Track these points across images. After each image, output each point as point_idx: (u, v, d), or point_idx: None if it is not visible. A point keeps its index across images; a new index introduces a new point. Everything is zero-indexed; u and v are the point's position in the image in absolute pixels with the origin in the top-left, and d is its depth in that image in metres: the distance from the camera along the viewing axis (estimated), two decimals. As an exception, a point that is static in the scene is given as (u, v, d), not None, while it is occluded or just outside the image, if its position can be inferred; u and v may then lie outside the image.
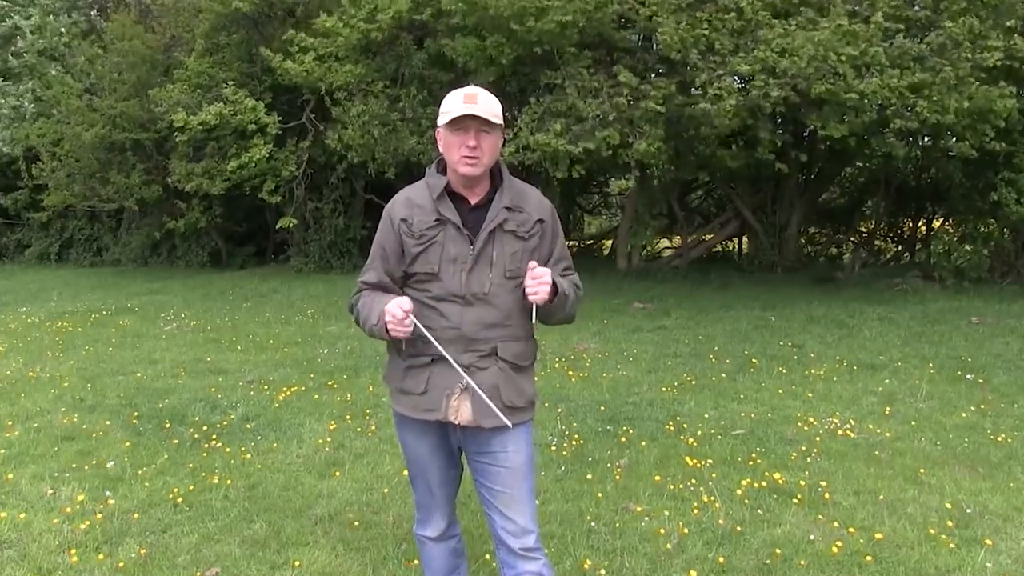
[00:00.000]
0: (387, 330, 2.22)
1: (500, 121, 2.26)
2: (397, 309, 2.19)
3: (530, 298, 2.22)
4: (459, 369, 2.24)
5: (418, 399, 2.33)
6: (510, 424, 2.26)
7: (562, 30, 8.95)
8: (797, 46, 8.21)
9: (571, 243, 17.12)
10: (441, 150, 2.30)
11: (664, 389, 5.95)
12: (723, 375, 6.40)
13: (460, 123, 2.22)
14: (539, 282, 2.20)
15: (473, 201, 2.32)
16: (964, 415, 5.22)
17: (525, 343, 2.37)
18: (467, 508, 3.48)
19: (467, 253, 2.27)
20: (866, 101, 8.34)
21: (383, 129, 11.15)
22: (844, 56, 8.20)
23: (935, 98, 8.40)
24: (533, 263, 2.23)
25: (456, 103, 2.23)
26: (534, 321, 2.31)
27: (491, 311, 2.29)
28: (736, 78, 8.87)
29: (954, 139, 9.59)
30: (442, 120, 2.25)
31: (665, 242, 16.74)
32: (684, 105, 9.10)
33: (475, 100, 2.23)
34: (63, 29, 15.54)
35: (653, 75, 10.10)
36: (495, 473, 2.36)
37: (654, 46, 9.95)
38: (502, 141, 2.34)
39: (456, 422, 2.30)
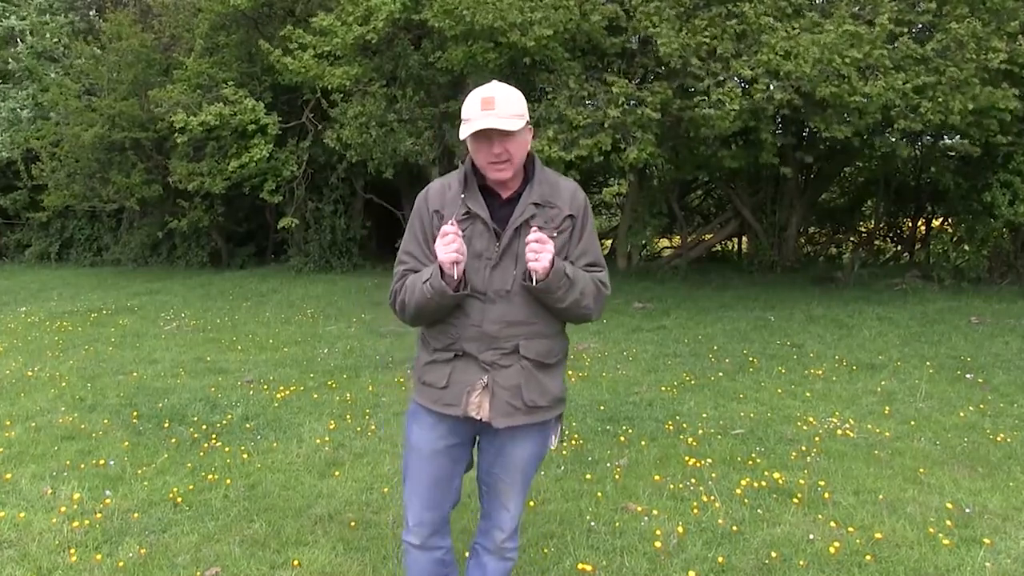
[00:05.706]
0: (442, 271, 2.15)
1: (523, 121, 2.18)
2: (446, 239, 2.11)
3: (529, 264, 2.14)
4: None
5: (439, 393, 2.31)
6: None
7: (551, 38, 8.91)
8: (802, 49, 8.20)
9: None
10: (470, 152, 2.24)
11: (664, 389, 5.96)
12: (722, 375, 6.40)
13: (480, 133, 2.16)
14: (540, 249, 2.12)
15: (505, 196, 2.29)
16: (964, 415, 5.23)
17: (552, 340, 2.33)
18: (468, 508, 3.47)
19: (493, 249, 2.24)
20: (870, 102, 8.34)
21: (380, 130, 11.14)
22: (848, 59, 8.19)
23: (940, 99, 8.40)
24: (535, 228, 2.16)
25: (474, 109, 2.15)
26: (530, 283, 2.20)
27: (513, 309, 2.24)
28: (738, 80, 8.85)
29: (958, 136, 9.59)
30: (463, 131, 2.17)
31: (665, 242, 16.72)
32: (683, 109, 9.07)
33: (492, 105, 2.13)
34: (64, 30, 15.51)
35: (652, 78, 10.07)
36: (501, 464, 2.40)
37: (651, 48, 9.93)
38: (531, 133, 2.27)
39: (477, 417, 2.29)
